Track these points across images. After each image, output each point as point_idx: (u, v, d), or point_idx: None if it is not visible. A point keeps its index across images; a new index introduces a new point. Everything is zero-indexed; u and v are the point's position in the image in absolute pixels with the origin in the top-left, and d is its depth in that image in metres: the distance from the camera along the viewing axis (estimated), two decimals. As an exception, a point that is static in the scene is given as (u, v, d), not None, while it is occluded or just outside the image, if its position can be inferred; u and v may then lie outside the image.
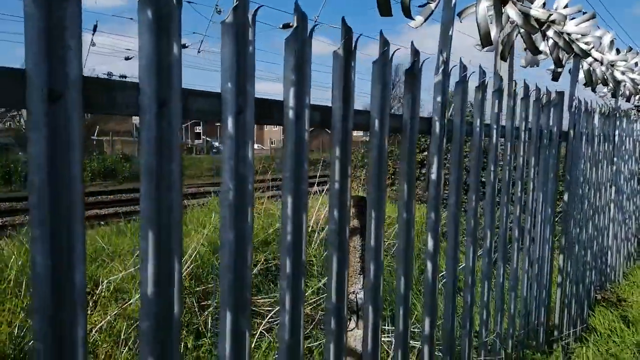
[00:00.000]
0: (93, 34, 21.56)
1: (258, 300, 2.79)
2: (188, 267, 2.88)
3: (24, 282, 2.77)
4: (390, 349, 2.78)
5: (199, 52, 18.59)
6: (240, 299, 1.18)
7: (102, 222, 6.63)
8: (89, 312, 2.50)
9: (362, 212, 1.85)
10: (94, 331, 2.26)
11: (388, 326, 2.69)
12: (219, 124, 1.15)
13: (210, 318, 2.65)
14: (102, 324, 2.30)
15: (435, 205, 1.89)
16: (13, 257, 3.09)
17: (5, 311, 2.47)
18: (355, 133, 1.58)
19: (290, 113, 1.29)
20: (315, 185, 5.66)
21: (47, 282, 0.83)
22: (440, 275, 2.10)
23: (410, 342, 1.97)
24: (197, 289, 2.80)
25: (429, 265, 1.92)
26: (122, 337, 2.25)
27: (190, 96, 1.07)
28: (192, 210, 5.45)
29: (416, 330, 2.94)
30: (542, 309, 3.14)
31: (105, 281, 2.74)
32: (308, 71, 1.31)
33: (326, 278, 1.52)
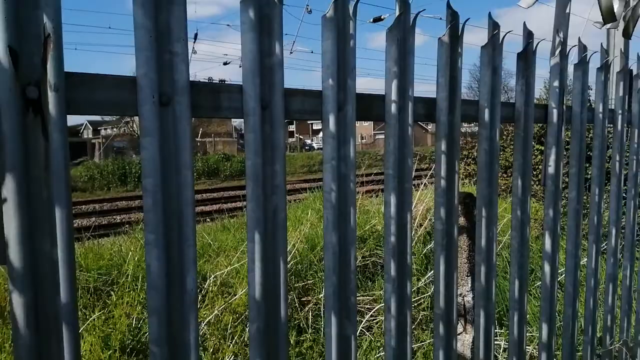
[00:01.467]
0: (194, 42, 22.94)
1: (357, 298, 2.76)
2: (288, 264, 2.92)
3: (140, 277, 2.99)
4: (499, 353, 2.60)
5: (291, 52, 18.99)
6: (345, 303, 1.14)
7: (208, 219, 7.00)
8: (198, 306, 2.63)
9: (469, 210, 1.73)
10: (202, 324, 2.37)
11: (497, 329, 2.53)
12: (311, 122, 1.12)
13: (310, 314, 2.67)
14: (210, 318, 2.40)
15: (554, 201, 1.72)
16: (130, 252, 3.35)
17: (124, 304, 2.68)
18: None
19: (393, 107, 1.22)
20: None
21: (161, 286, 0.85)
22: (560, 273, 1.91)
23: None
24: (297, 285, 2.83)
25: (547, 267, 1.75)
26: (228, 330, 2.34)
27: (291, 96, 1.05)
28: (288, 207, 5.57)
29: (527, 334, 2.74)
30: (678, 316, 2.76)
31: (212, 276, 2.87)
32: (411, 62, 1.23)
33: (433, 279, 1.43)
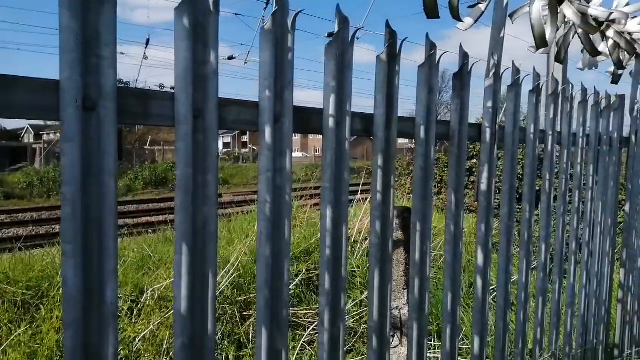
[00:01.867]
0: (146, 48, 22.42)
1: (300, 312, 2.74)
2: (230, 276, 2.87)
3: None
4: (437, 366, 2.66)
5: (245, 62, 18.90)
6: (277, 316, 1.13)
7: (150, 230, 6.79)
8: (133, 320, 2.53)
9: (407, 224, 1.76)
10: (137, 340, 2.28)
11: (434, 341, 2.58)
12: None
13: (251, 328, 2.63)
14: (145, 333, 2.32)
15: (485, 217, 1.78)
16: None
17: (54, 318, 2.54)
18: (400, 140, 1.51)
19: (330, 121, 1.23)
20: (359, 193, 5.58)
21: (78, 298, 0.81)
22: (491, 289, 1.98)
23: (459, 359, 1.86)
24: (239, 298, 2.79)
25: (479, 281, 1.81)
26: (164, 346, 2.26)
27: (227, 106, 1.04)
28: (236, 218, 5.50)
29: (464, 347, 2.80)
30: (602, 327, 2.93)
31: (150, 289, 2.77)
32: (349, 77, 1.25)
33: (367, 294, 1.45)
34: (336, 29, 1.22)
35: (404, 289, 1.82)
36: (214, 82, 0.99)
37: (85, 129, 0.81)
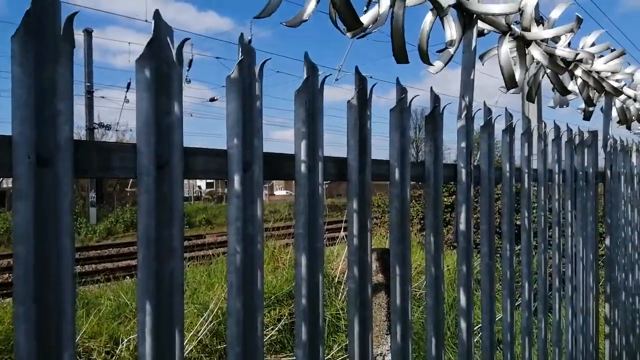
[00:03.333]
0: (127, 91, 22.53)
1: (282, 358, 2.65)
2: (209, 324, 2.78)
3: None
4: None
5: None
6: (250, 374, 1.08)
7: (129, 275, 6.62)
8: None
9: (387, 266, 1.73)
10: (109, 397, 2.16)
11: (422, 387, 2.50)
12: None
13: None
14: (118, 388, 2.20)
15: (466, 257, 1.76)
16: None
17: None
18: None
19: (302, 166, 1.22)
20: (342, 230, 5.54)
21: (27, 367, 0.75)
22: (476, 328, 1.94)
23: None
24: (218, 347, 2.68)
25: (463, 323, 1.77)
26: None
27: (193, 155, 1.01)
28: (216, 261, 5.39)
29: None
30: (591, 364, 2.88)
31: (126, 340, 2.66)
32: (320, 123, 1.25)
33: (347, 342, 1.40)
34: (304, 76, 1.22)
35: (386, 334, 1.77)
36: (179, 132, 0.97)
37: (39, 185, 0.78)
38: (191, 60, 19.72)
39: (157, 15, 0.92)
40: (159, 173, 0.93)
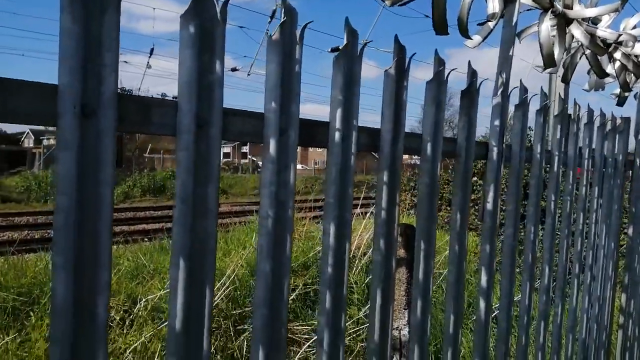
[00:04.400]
0: (149, 57, 22.53)
1: (295, 327, 2.69)
2: (226, 289, 2.82)
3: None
4: (435, 388, 2.60)
5: (249, 74, 18.98)
6: (274, 336, 1.09)
7: (147, 238, 6.74)
8: (124, 331, 2.47)
9: (410, 242, 1.73)
10: (128, 352, 2.23)
11: (433, 363, 2.52)
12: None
13: (245, 343, 2.57)
14: (136, 344, 2.26)
15: (490, 237, 1.75)
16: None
17: (44, 326, 2.48)
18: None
19: (337, 135, 1.20)
20: (358, 207, 5.55)
21: (67, 313, 0.77)
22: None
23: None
24: (234, 312, 2.73)
25: (482, 303, 1.77)
26: (156, 359, 2.20)
27: (231, 116, 1.01)
28: (233, 229, 5.45)
29: (463, 369, 2.75)
30: (602, 353, 2.87)
31: (144, 300, 2.72)
32: (357, 91, 1.22)
33: (368, 312, 1.40)
34: (345, 42, 1.19)
35: (404, 308, 1.78)
36: (219, 92, 0.95)
37: (83, 136, 0.77)
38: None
39: (202, -31, 0.90)
40: (199, 131, 0.93)
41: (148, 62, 23.05)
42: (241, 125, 1.04)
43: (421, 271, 1.48)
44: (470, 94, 1.54)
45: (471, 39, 1.64)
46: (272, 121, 1.06)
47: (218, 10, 0.93)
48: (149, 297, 2.72)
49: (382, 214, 1.33)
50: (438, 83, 1.42)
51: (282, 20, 1.04)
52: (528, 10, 1.86)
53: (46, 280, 3.03)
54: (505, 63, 1.63)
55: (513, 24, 1.63)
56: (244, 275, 3.15)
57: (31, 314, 2.66)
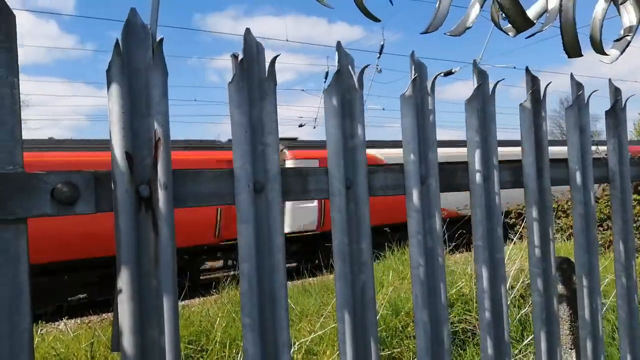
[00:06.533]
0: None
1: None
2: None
3: (227, 343, 3.04)
4: None
5: (314, 127, 19.39)
6: (440, 384, 1.09)
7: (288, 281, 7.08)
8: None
9: (568, 276, 1.62)
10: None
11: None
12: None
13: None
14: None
15: (663, 266, 1.56)
16: (218, 318, 3.44)
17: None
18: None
19: (477, 176, 1.20)
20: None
21: (258, 369, 0.86)
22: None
23: None
24: (384, 353, 2.73)
25: (665, 340, 1.57)
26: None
27: (373, 173, 1.07)
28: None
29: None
30: None
31: (297, 343, 2.85)
32: (493, 130, 1.22)
33: (527, 352, 1.33)
34: (475, 84, 1.20)
35: (571, 349, 1.65)
36: (362, 152, 1.03)
37: (256, 210, 0.89)
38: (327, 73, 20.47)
39: (339, 46, 1.00)
40: (348, 193, 1.00)
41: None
42: (383, 181, 1.09)
43: (586, 308, 1.37)
44: (615, 114, 1.44)
45: (607, 54, 1.54)
46: (412, 173, 1.10)
47: (355, 79, 1.02)
48: (300, 340, 2.85)
49: (536, 252, 1.28)
50: (579, 107, 1.36)
51: (412, 77, 1.10)
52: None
53: (209, 328, 3.35)
54: (655, 74, 1.49)
55: (658, 31, 1.50)
56: (387, 315, 3.16)
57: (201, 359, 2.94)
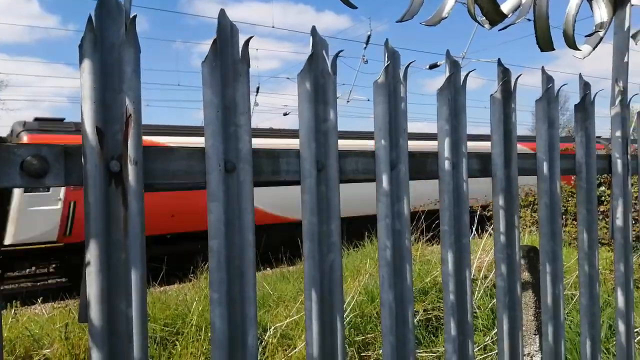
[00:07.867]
0: (256, 95, 24.00)
1: (420, 355, 2.67)
2: (347, 317, 2.90)
3: (203, 327, 3.07)
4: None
5: (348, 101, 19.41)
6: (403, 362, 1.13)
7: (268, 267, 7.12)
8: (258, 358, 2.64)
9: (534, 264, 1.67)
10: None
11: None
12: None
13: (370, 370, 2.61)
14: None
15: (624, 255, 1.63)
16: (194, 302, 3.45)
17: (188, 354, 2.75)
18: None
19: (446, 163, 1.24)
20: (474, 229, 5.36)
21: (223, 343, 0.89)
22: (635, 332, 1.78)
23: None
24: (357, 339, 2.79)
25: (622, 326, 1.64)
26: (288, 385, 2.32)
27: (345, 157, 1.09)
28: (348, 255, 5.55)
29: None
30: None
31: (272, 327, 2.89)
32: (463, 120, 1.25)
33: (496, 338, 1.38)
34: (447, 74, 1.23)
35: (535, 334, 1.71)
36: (334, 137, 1.05)
37: (227, 189, 0.91)
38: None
39: (313, 31, 1.01)
40: (319, 175, 1.03)
41: (255, 100, 24.53)
42: (354, 165, 1.12)
43: (549, 295, 1.43)
44: (584, 108, 1.49)
45: (580, 50, 1.58)
46: (382, 158, 1.13)
47: (329, 64, 1.04)
48: (276, 325, 2.89)
49: (502, 239, 1.33)
50: (548, 100, 1.40)
51: (385, 64, 1.12)
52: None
53: (186, 311, 3.37)
54: (620, 71, 1.54)
55: (625, 29, 1.55)
56: (362, 302, 3.21)
57: (177, 343, 2.96)
